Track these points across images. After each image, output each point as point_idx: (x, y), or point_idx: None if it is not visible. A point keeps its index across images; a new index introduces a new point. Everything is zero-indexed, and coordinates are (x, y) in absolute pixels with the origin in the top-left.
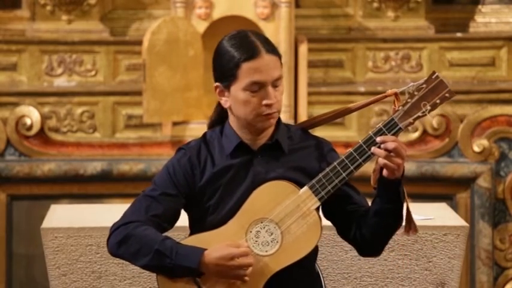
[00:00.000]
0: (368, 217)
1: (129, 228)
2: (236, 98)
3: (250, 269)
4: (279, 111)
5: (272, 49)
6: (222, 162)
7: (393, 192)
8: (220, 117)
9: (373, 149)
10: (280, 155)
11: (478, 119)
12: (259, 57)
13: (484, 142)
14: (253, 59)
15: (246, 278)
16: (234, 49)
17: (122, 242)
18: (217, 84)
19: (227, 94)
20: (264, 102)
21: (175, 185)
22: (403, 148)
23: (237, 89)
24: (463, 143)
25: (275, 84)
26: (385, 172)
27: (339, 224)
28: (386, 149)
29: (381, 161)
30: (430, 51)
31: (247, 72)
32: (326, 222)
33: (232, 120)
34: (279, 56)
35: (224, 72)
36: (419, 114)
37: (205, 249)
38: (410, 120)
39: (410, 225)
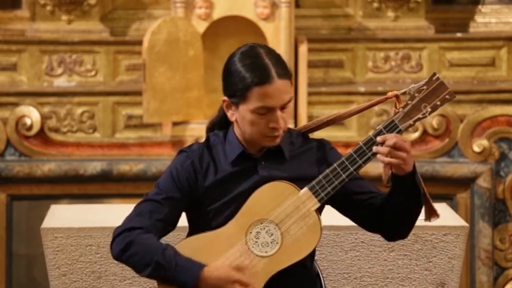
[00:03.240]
0: (389, 209)
1: (132, 235)
2: (243, 117)
3: None
4: (284, 129)
5: (284, 73)
6: (225, 168)
7: (409, 185)
8: (223, 121)
9: (375, 147)
10: (283, 161)
11: (478, 119)
12: (270, 83)
13: (484, 142)
14: (264, 84)
15: None
16: (245, 70)
17: (124, 249)
18: (225, 98)
19: (234, 109)
20: (271, 125)
21: (178, 189)
22: (405, 142)
23: (245, 110)
24: (463, 143)
25: (284, 106)
26: (393, 169)
27: (360, 218)
28: (387, 146)
29: (385, 159)
30: (430, 51)
31: (257, 97)
32: (326, 222)
33: (236, 129)
34: (290, 77)
35: (234, 91)
36: (420, 116)
37: (205, 265)
38: (411, 122)
39: (431, 212)
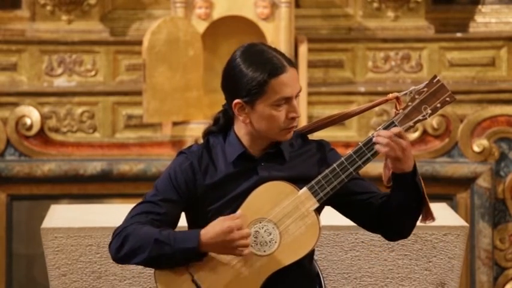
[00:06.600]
0: (390, 209)
1: (128, 229)
2: (262, 114)
3: (251, 237)
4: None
5: (291, 62)
6: (225, 169)
7: (410, 185)
8: (223, 126)
9: (376, 134)
10: (283, 162)
11: (478, 119)
12: (285, 72)
13: (484, 142)
14: (280, 74)
15: (247, 248)
16: (256, 67)
17: (122, 243)
18: (237, 101)
19: (248, 110)
20: (291, 115)
21: (176, 190)
22: (402, 132)
23: (264, 105)
24: (463, 143)
25: (297, 95)
26: (392, 165)
27: (360, 218)
28: (391, 132)
29: (382, 149)
30: (430, 51)
31: (275, 89)
32: (326, 222)
33: (239, 130)
34: (296, 67)
35: (248, 90)
36: (420, 117)
37: (202, 229)
38: (411, 123)
39: (427, 214)
